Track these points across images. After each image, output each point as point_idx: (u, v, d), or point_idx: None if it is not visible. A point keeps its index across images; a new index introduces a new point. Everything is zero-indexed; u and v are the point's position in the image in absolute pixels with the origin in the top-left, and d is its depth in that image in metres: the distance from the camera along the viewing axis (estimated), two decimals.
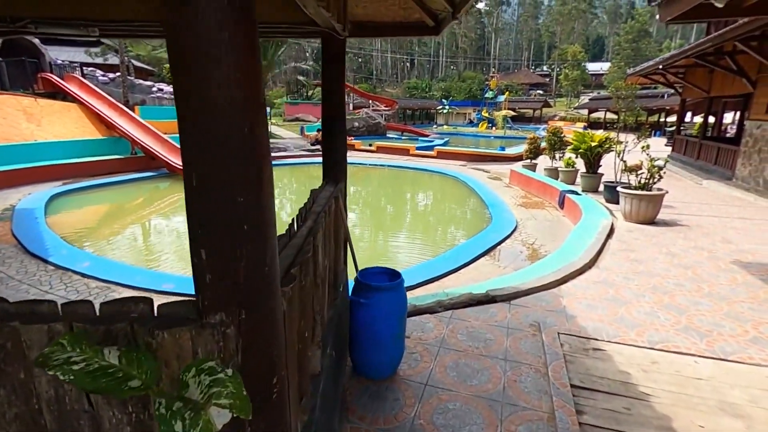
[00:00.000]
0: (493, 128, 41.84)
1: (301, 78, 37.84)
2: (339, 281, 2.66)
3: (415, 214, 10.04)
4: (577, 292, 4.03)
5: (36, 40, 15.64)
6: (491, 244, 6.48)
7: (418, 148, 19.84)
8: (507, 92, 46.89)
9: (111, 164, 12.24)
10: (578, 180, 10.54)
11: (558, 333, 3.12)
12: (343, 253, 2.99)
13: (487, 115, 45.26)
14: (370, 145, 21.12)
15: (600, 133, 10.37)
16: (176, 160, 12.38)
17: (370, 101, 37.93)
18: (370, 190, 13.05)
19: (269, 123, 24.96)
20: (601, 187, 9.27)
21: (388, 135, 30.36)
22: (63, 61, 16.02)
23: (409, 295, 4.35)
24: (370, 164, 17.04)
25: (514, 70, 71.69)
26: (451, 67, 74.48)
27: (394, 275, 2.73)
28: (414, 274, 5.07)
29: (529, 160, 12.93)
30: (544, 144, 12.78)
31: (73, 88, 13.84)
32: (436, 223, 9.15)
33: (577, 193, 8.72)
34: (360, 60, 67.99)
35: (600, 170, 9.98)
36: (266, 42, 24.03)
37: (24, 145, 10.92)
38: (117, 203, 10.03)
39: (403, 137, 30.96)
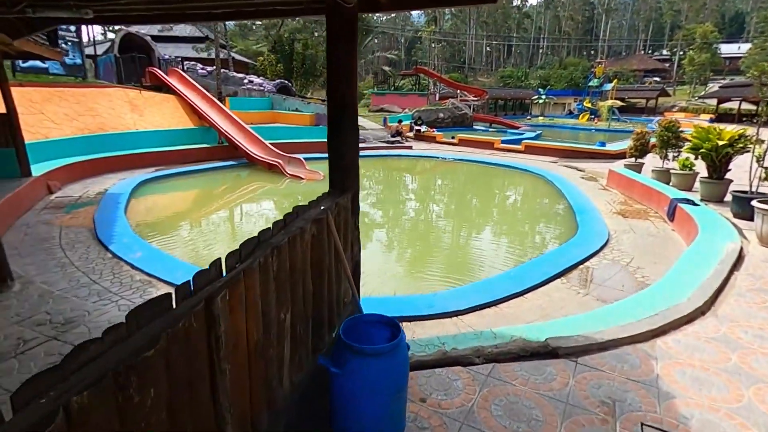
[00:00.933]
0: (596, 120, 37.85)
1: (386, 69, 37.63)
2: (322, 330, 2.03)
3: (485, 218, 9.04)
4: (680, 354, 2.92)
5: (147, 38, 17.25)
6: (572, 262, 5.37)
7: (503, 142, 18.35)
8: (615, 80, 42.03)
9: (199, 152, 12.98)
10: (696, 186, 8.63)
11: (642, 425, 2.16)
12: (342, 281, 2.35)
13: (589, 105, 41.11)
14: (453, 137, 20.07)
15: (731, 129, 8.32)
16: (255, 151, 12.74)
17: (458, 91, 36.46)
18: (438, 188, 12.20)
19: None
20: (728, 197, 7.42)
21: (474, 127, 28.88)
22: (169, 56, 17.47)
23: (447, 328, 3.60)
24: (445, 158, 16.11)
25: (626, 54, 64.08)
26: (552, 55, 68.91)
27: (393, 328, 2.01)
28: (463, 296, 4.28)
29: (633, 159, 11.02)
30: (654, 140, 10.78)
31: (173, 80, 14.97)
32: (509, 231, 8.08)
33: (693, 203, 7.04)
34: (452, 49, 65.99)
35: (728, 175, 8.03)
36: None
37: (127, 133, 11.99)
38: (198, 190, 10.53)
39: (491, 129, 29.20)
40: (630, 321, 3.27)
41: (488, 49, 70.49)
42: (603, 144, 16.24)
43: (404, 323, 3.34)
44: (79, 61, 12.77)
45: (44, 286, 4.46)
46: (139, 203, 8.53)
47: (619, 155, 14.45)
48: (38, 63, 11.69)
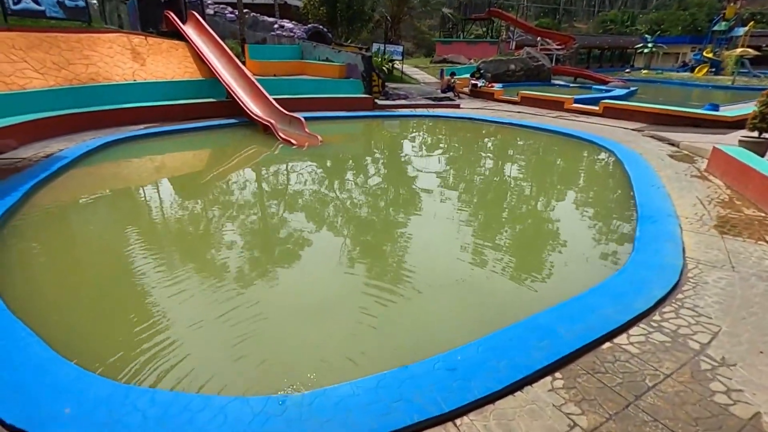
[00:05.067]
0: (717, 74, 30.70)
1: (446, 11, 32.96)
2: None
3: (475, 219, 6.44)
4: None
5: None
6: (583, 340, 2.93)
7: (577, 101, 14.66)
8: (751, 23, 33.45)
9: (203, 108, 11.57)
10: None
11: None
12: None
13: (710, 55, 33.47)
14: (517, 95, 16.65)
15: None
16: (254, 108, 10.99)
17: (538, 38, 31.21)
18: (431, 165, 9.54)
19: (401, 63, 22.17)
20: None
21: (553, 81, 24.48)
22: None
23: None
24: (483, 120, 13.09)
25: None
26: None
27: None
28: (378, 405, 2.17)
29: (756, 134, 7.44)
30: None
31: (188, 25, 13.52)
32: (507, 244, 5.44)
33: None
34: None
35: None
36: None
37: (122, 85, 10.85)
38: (174, 156, 9.11)
39: (572, 85, 24.56)
40: None
41: None
42: (715, 107, 12.04)
43: None
44: (81, 3, 11.71)
45: None
46: (83, 172, 7.24)
47: (738, 123, 10.45)
48: (32, 5, 10.75)
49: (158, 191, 6.85)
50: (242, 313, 3.50)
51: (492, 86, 18.61)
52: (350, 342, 3.24)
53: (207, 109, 11.64)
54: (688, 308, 3.41)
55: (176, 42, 12.86)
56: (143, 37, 12.35)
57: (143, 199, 6.55)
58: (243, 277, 4.16)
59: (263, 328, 3.36)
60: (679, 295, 3.58)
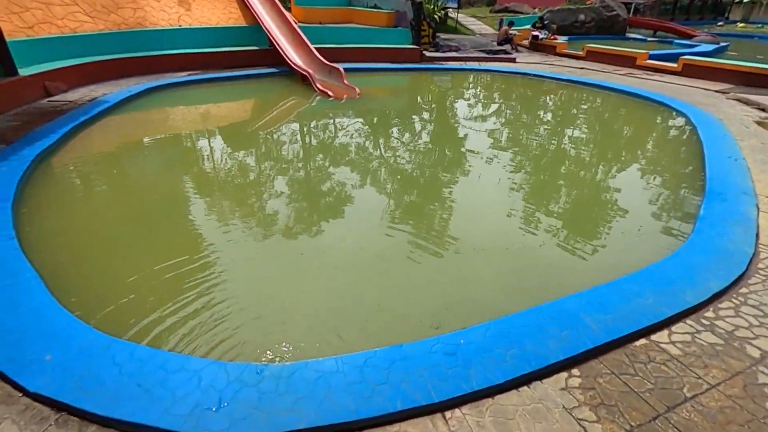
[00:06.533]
0: None
1: None
2: None
3: (522, 181, 5.81)
4: None
5: None
6: (632, 328, 2.52)
7: (652, 57, 12.98)
8: None
9: (244, 56, 11.38)
10: None
11: None
12: None
13: None
14: (582, 49, 15.04)
15: None
16: (294, 57, 10.62)
17: None
18: (499, 125, 8.78)
19: (455, 12, 20.56)
20: None
21: (628, 35, 21.97)
22: None
23: None
24: (540, 75, 11.93)
25: None
26: None
27: None
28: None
29: None
30: None
31: None
32: (551, 225, 4.89)
33: None
34: None
35: None
36: None
37: (167, 30, 10.82)
38: (210, 106, 9.05)
39: (650, 39, 21.91)
40: None
41: None
42: None
43: None
44: None
45: None
46: (122, 117, 7.36)
47: None
48: None
49: (191, 140, 6.83)
50: (262, 270, 3.38)
51: (555, 39, 16.90)
52: (375, 304, 3.02)
53: (249, 57, 11.43)
54: (752, 306, 2.86)
55: None
56: None
57: (175, 146, 6.57)
58: (272, 230, 4.04)
59: (284, 287, 3.22)
60: (743, 290, 3.02)
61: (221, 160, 5.95)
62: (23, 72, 7.49)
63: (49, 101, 7.62)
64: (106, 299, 2.96)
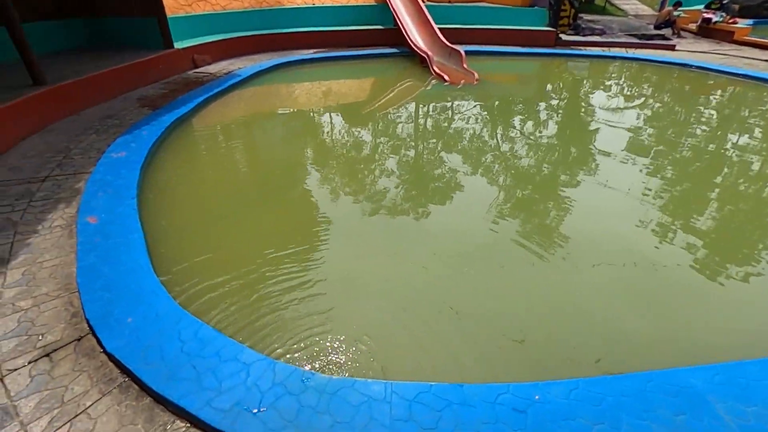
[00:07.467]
0: None
1: None
2: None
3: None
4: None
5: None
6: None
7: None
8: None
9: (369, 35, 11.46)
10: None
11: None
12: None
13: None
14: None
15: None
16: (416, 38, 10.32)
17: None
18: (643, 125, 7.38)
19: None
20: None
21: None
22: None
23: None
24: (706, 68, 9.76)
25: None
26: None
27: None
28: None
29: None
30: None
31: None
32: (693, 245, 3.82)
33: None
34: None
35: None
36: None
37: (299, 8, 11.34)
38: (332, 83, 9.29)
39: None
40: None
41: None
42: None
43: None
44: None
45: None
46: (251, 90, 7.92)
47: None
48: None
49: (308, 117, 7.08)
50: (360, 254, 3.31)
51: (734, 22, 13.85)
52: (465, 309, 2.76)
53: (374, 36, 11.48)
54: None
55: None
56: None
57: (292, 122, 6.86)
58: (378, 213, 4.03)
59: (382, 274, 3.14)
60: None
61: (335, 139, 6.06)
62: (177, 45, 8.48)
63: (194, 72, 8.55)
64: (193, 269, 3.13)
